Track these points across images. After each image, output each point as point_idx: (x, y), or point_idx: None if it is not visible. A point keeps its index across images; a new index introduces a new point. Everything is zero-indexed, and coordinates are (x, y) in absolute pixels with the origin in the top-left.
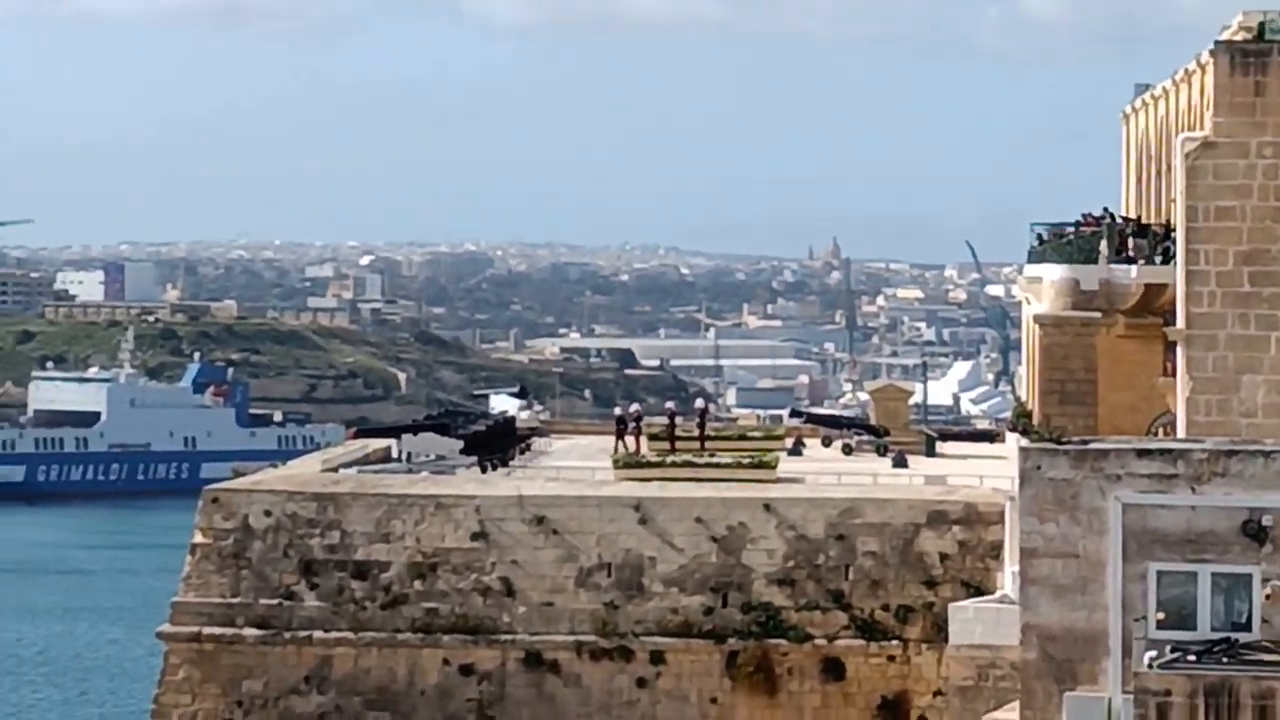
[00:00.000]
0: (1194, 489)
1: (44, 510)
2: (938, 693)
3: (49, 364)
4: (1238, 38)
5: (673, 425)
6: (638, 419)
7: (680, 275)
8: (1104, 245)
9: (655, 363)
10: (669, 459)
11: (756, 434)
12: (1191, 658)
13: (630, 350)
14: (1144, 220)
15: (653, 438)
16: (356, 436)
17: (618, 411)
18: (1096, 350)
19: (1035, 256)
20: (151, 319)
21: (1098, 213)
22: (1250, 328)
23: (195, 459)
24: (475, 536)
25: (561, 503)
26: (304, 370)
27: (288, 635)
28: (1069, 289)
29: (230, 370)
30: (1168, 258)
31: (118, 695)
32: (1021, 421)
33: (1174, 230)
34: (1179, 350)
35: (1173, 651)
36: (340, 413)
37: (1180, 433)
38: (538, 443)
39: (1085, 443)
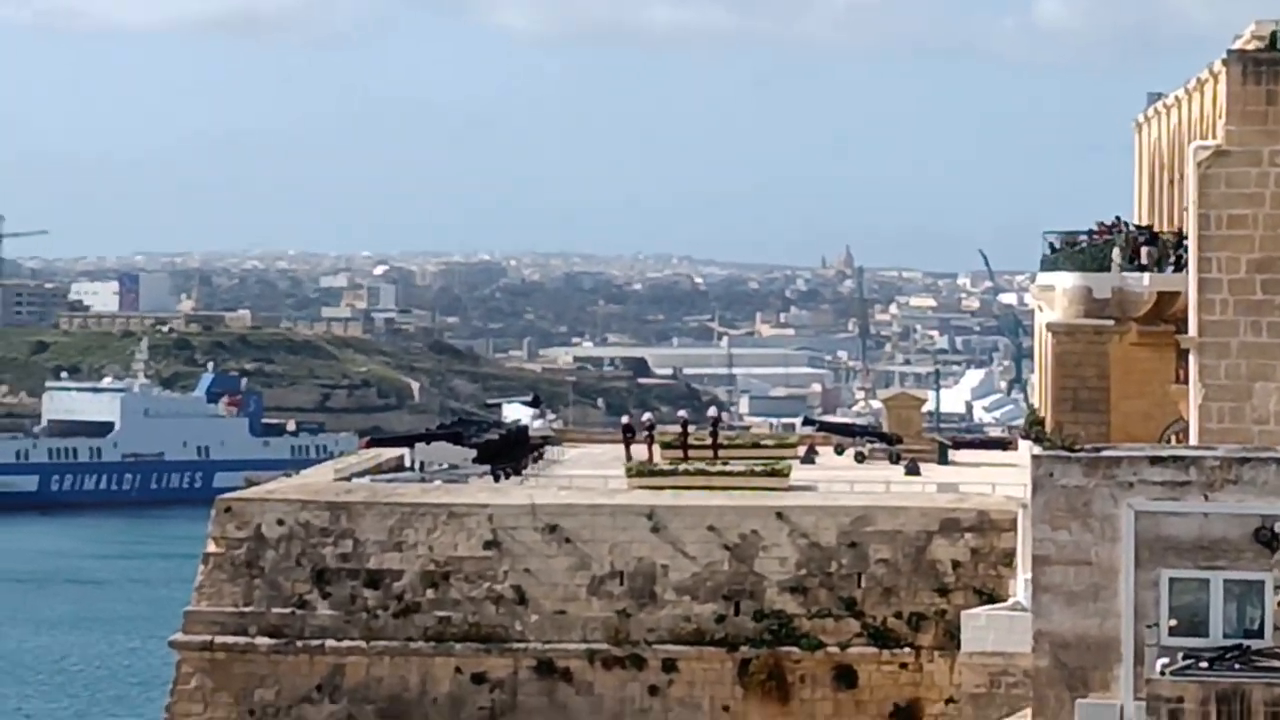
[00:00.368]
0: (1206, 496)
1: (57, 520)
2: (950, 700)
3: (63, 374)
4: (1250, 47)
5: (685, 434)
6: (650, 427)
7: (693, 284)
8: (1116, 253)
9: (668, 371)
10: (682, 467)
11: (769, 442)
12: (1204, 665)
13: (643, 359)
14: (1156, 229)
15: (665, 446)
16: (370, 446)
17: (624, 420)
18: (1109, 358)
19: (1048, 265)
20: (165, 329)
21: (1110, 221)
22: (1263, 335)
23: (208, 468)
24: (488, 545)
25: (574, 511)
26: (317, 380)
27: (300, 644)
28: (1082, 297)
29: (244, 380)
30: (1180, 266)
31: (131, 704)
32: (1034, 429)
33: (1186, 238)
34: (1191, 358)
35: (1185, 658)
36: (353, 422)
37: (1193, 440)
38: (551, 451)
39: (1098, 450)
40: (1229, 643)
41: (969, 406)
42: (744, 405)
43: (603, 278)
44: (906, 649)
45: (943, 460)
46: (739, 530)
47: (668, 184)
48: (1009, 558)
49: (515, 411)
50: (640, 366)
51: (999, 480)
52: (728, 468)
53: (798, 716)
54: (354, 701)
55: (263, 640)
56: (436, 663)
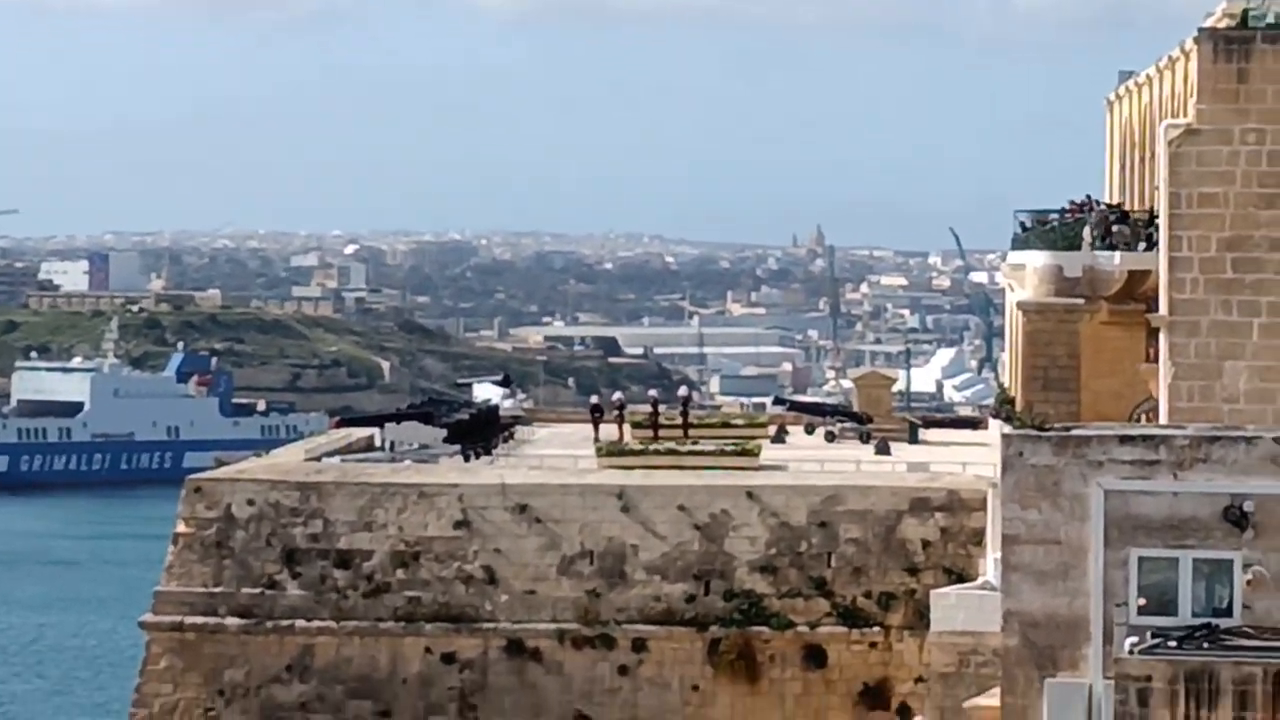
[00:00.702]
0: (1176, 475)
1: (27, 500)
2: (919, 679)
3: (33, 354)
4: (1221, 25)
5: (656, 413)
6: (621, 407)
7: (664, 263)
8: (1087, 232)
9: (639, 351)
10: (652, 447)
11: (740, 421)
12: (1172, 644)
13: (614, 338)
14: (1128, 207)
15: (636, 425)
16: (340, 425)
17: (593, 400)
18: (1079, 337)
19: (1019, 243)
20: (135, 308)
21: (1081, 200)
22: (1233, 314)
23: (178, 448)
24: (458, 525)
25: (544, 491)
26: (288, 359)
27: (270, 624)
28: (1052, 276)
29: (214, 359)
30: (1151, 244)
31: (101, 685)
32: (1004, 408)
33: (1157, 217)
34: (1162, 337)
35: (1154, 637)
36: (324, 402)
37: (1163, 419)
38: (521, 431)
39: (1068, 429)
40: (1198, 622)
41: (939, 385)
42: (715, 385)
43: (574, 257)
44: (876, 628)
45: (913, 439)
46: (709, 510)
47: (639, 163)
48: (979, 537)
49: (486, 391)
50: (611, 346)
51: (969, 459)
52: (698, 447)
53: (767, 696)
54: (324, 681)
55: (232, 620)
56: (406, 643)
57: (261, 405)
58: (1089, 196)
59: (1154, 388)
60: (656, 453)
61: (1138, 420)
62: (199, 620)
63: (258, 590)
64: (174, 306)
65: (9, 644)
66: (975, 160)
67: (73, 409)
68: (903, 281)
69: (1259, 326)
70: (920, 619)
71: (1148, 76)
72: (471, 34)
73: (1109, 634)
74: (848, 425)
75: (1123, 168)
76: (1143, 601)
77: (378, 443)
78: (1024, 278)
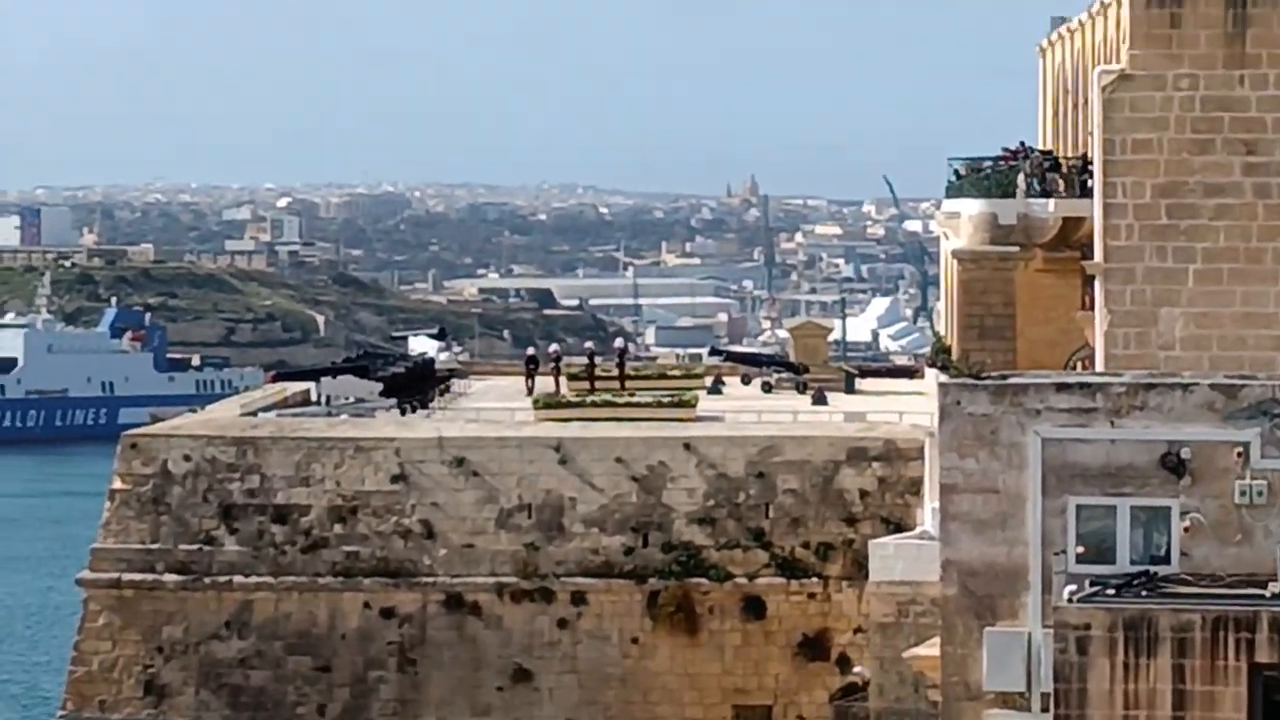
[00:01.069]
0: (1113, 423)
1: None
2: (858, 629)
3: None
4: None
5: (592, 365)
6: (557, 359)
7: (598, 214)
8: (1021, 179)
9: (574, 302)
10: (589, 399)
11: (676, 373)
12: (1111, 591)
13: (549, 290)
14: (1061, 154)
15: (572, 378)
16: (275, 380)
17: (530, 352)
18: (1015, 285)
19: (953, 191)
20: (68, 264)
21: (1015, 147)
22: (1168, 260)
23: (113, 404)
24: (395, 479)
25: (481, 444)
26: (222, 314)
27: (208, 580)
28: (987, 224)
29: (148, 315)
30: (1085, 191)
31: (39, 642)
32: (941, 357)
33: (1091, 163)
34: (1097, 284)
35: (1092, 585)
36: (259, 356)
37: (1099, 366)
38: (457, 384)
39: (1004, 378)
40: (1136, 569)
41: (875, 335)
42: (650, 336)
43: (507, 209)
44: (814, 579)
45: (849, 389)
46: (646, 462)
47: (572, 113)
48: (916, 486)
49: (421, 344)
50: (546, 298)
51: (906, 409)
52: (635, 399)
53: (706, 648)
54: (262, 637)
55: (170, 577)
56: (345, 598)
57: (196, 360)
58: (1023, 143)
59: (1090, 335)
60: (593, 404)
61: (1074, 368)
62: (137, 577)
63: (195, 546)
64: (107, 261)
65: None
66: (909, 108)
67: (6, 365)
68: (837, 231)
69: (1194, 273)
70: (859, 569)
71: (1080, 22)
72: None
73: (1048, 583)
74: (784, 376)
75: (1056, 114)
76: (1081, 550)
77: (314, 397)
78: (958, 226)
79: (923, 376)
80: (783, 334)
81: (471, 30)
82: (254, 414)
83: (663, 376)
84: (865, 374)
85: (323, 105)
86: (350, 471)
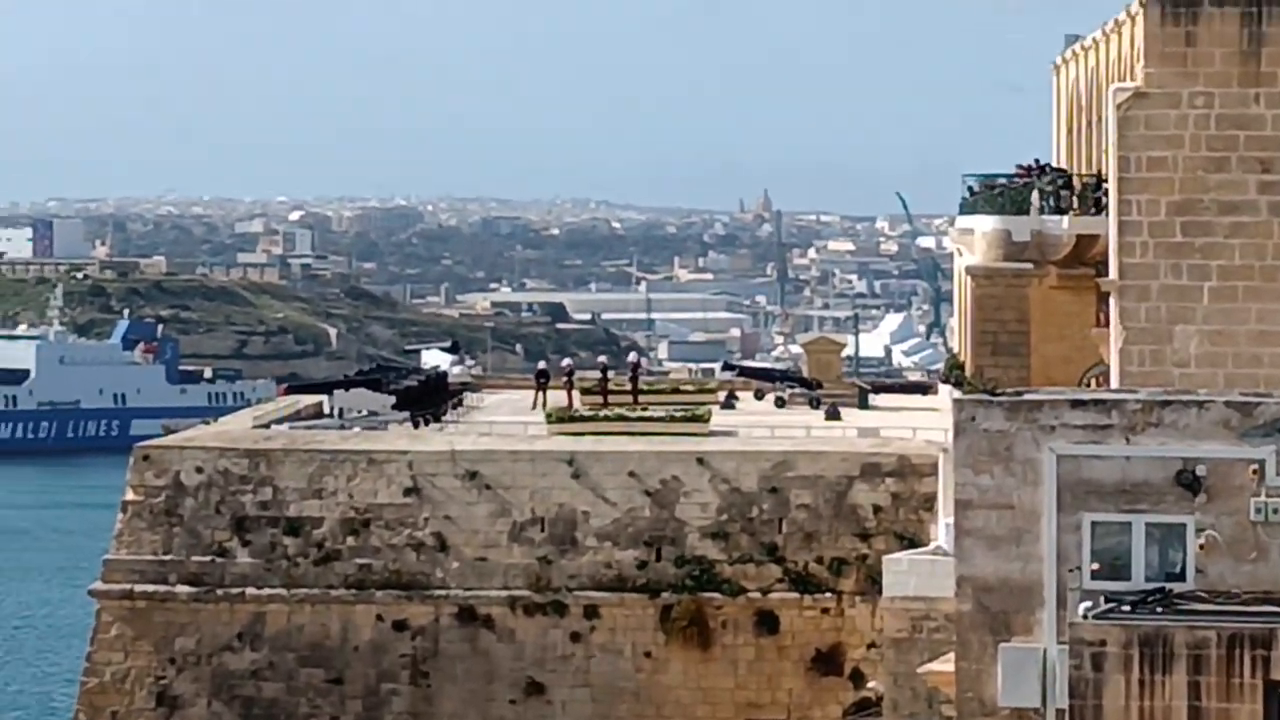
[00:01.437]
0: (1128, 439)
1: None
2: (872, 645)
3: None
4: None
5: (605, 379)
6: (570, 373)
7: (611, 229)
8: (1035, 196)
9: (587, 317)
10: (602, 413)
11: (689, 387)
12: (1126, 608)
13: (561, 304)
14: (1076, 171)
15: (585, 392)
16: (288, 393)
17: (540, 366)
18: (1029, 301)
19: (967, 208)
20: (80, 275)
21: (1029, 164)
22: (1183, 278)
23: (125, 416)
24: (408, 492)
25: (494, 458)
26: (234, 326)
27: (220, 592)
28: (1001, 240)
29: (160, 327)
30: (1099, 208)
31: (51, 654)
32: (954, 373)
33: (1106, 181)
34: (1112, 301)
35: (1107, 602)
36: (271, 369)
37: (1114, 383)
38: (470, 398)
39: (1019, 394)
40: (1151, 586)
41: (888, 351)
42: (663, 350)
43: (520, 223)
44: (828, 594)
45: (863, 405)
46: (660, 476)
47: (585, 127)
48: (930, 502)
49: (434, 358)
50: (558, 312)
51: (919, 425)
52: (648, 413)
53: (719, 662)
54: (275, 649)
55: (183, 589)
56: (358, 610)
57: (208, 372)
58: (1037, 160)
59: (1104, 352)
60: (606, 419)
61: (1088, 385)
62: (149, 588)
63: (208, 558)
64: (119, 273)
65: None
66: (923, 124)
67: (18, 377)
68: (850, 246)
69: (1209, 290)
70: (872, 584)
71: (1094, 40)
72: None
73: (1062, 599)
74: (797, 391)
75: (1070, 131)
76: (1096, 566)
77: (326, 410)
78: (972, 242)
79: (936, 392)
80: (796, 349)
81: (484, 44)
82: (266, 426)
83: (676, 391)
84: (879, 389)
85: (335, 118)
86: (363, 484)
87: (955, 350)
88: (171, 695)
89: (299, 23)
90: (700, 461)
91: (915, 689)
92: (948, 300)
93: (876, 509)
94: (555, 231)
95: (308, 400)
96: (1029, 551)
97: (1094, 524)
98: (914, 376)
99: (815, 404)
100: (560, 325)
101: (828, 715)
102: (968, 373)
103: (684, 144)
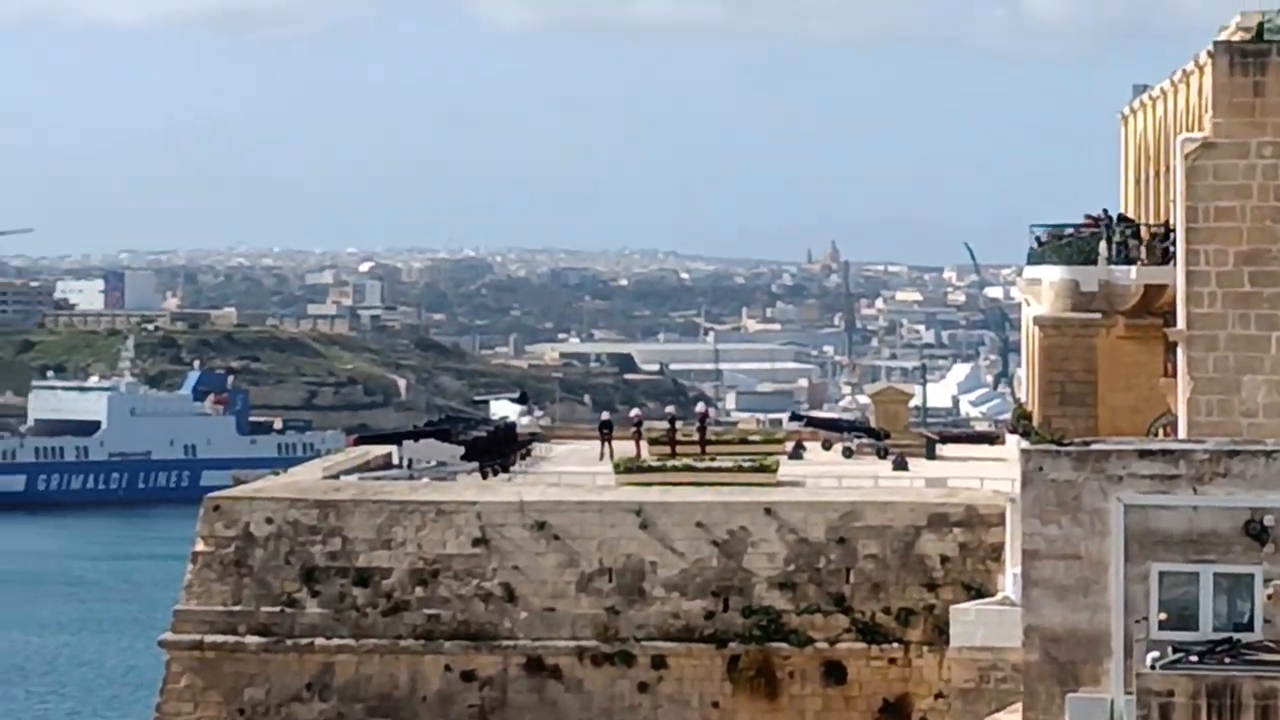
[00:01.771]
0: (1196, 489)
1: (44, 520)
2: (939, 695)
3: (49, 373)
4: (1236, 38)
5: (673, 430)
6: (638, 424)
7: (679, 279)
8: (1103, 246)
9: (655, 367)
10: (669, 463)
11: (756, 438)
12: (1194, 658)
13: (630, 355)
14: (1143, 221)
15: (653, 442)
16: (357, 443)
17: (604, 416)
18: (1096, 351)
19: (1034, 258)
20: (151, 327)
21: (1097, 214)
22: (1251, 328)
23: (195, 467)
24: (476, 542)
25: (562, 508)
26: (304, 377)
27: (289, 643)
28: (1068, 290)
29: (230, 378)
30: (1167, 258)
31: (122, 704)
32: (1022, 423)
33: (1173, 231)
34: (1179, 351)
35: (1175, 652)
36: (340, 419)
37: (1181, 433)
38: (538, 448)
39: (1087, 444)
40: (1219, 636)
41: (955, 401)
42: (730, 401)
43: (589, 273)
44: (895, 644)
45: (930, 455)
46: (727, 526)
47: (654, 178)
48: (997, 552)
49: (502, 408)
50: (627, 362)
51: (987, 475)
52: (715, 464)
53: (787, 713)
54: (344, 700)
55: (252, 639)
56: (426, 660)
57: (278, 423)
58: (1105, 210)
59: (1172, 402)
60: (674, 469)
61: (1155, 435)
62: (219, 639)
63: (277, 609)
64: (189, 325)
65: (28, 664)
66: (990, 174)
67: (90, 428)
68: (918, 297)
69: (1277, 340)
70: (940, 635)
71: (1162, 90)
72: (485, 49)
73: (1130, 649)
74: (865, 441)
75: (1138, 181)
76: (1163, 616)
77: (395, 460)
78: (1040, 292)
79: (1003, 442)
80: (863, 399)
81: (553, 96)
82: (336, 477)
83: (743, 441)
84: (946, 440)
85: (405, 170)
86: (432, 535)
87: (1023, 400)
88: None
89: (369, 75)
90: (768, 512)
91: None
92: (1015, 350)
93: (944, 559)
94: (624, 282)
95: (377, 451)
96: (1096, 602)
97: (1162, 574)
98: (981, 426)
99: (883, 454)
100: (628, 375)
101: None
102: (1035, 423)
103: (752, 195)
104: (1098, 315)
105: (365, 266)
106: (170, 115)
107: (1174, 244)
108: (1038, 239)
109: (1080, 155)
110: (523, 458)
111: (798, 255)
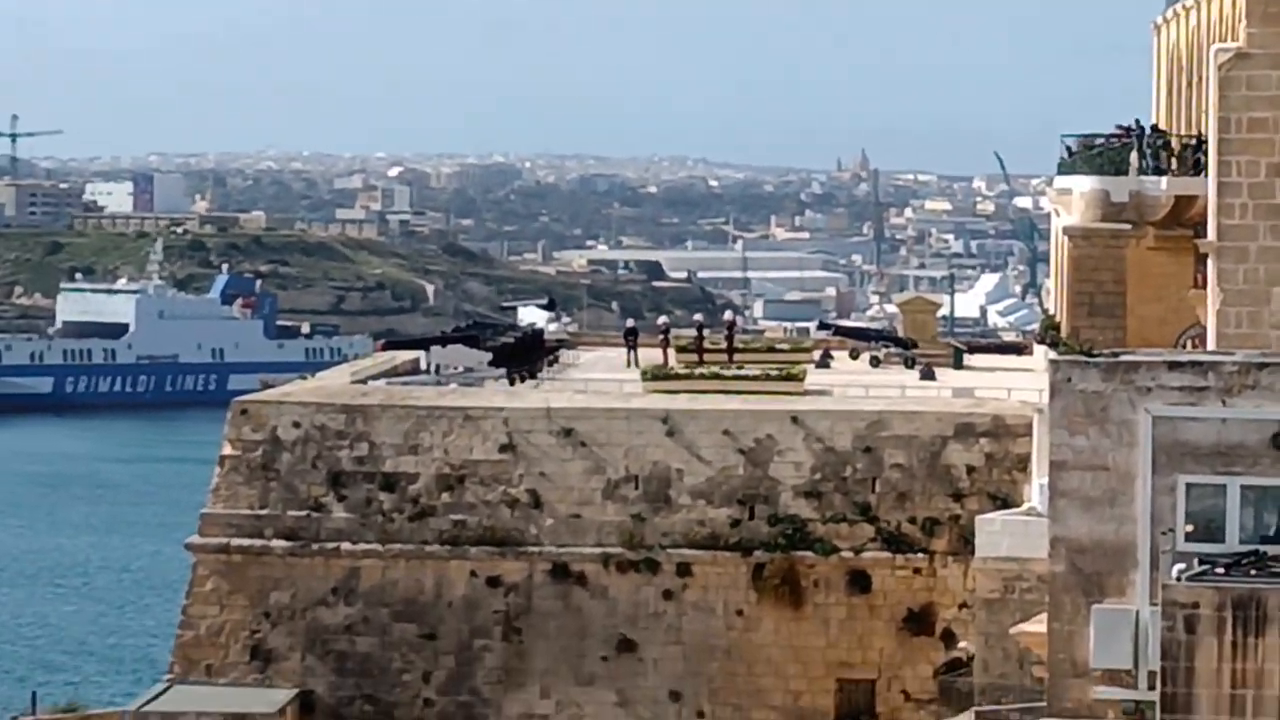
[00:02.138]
0: (1224, 401)
1: (72, 421)
2: (964, 605)
3: (77, 275)
4: None
5: (701, 337)
6: (665, 331)
7: (708, 187)
8: (1134, 156)
9: (683, 275)
10: (697, 371)
11: (784, 346)
12: (1219, 570)
13: (658, 262)
14: (1176, 132)
15: (681, 350)
16: (385, 348)
17: (630, 324)
18: (1126, 262)
19: (1065, 168)
20: (180, 230)
21: (1129, 124)
22: None
23: (223, 371)
24: (503, 449)
25: (589, 415)
26: (332, 282)
27: (315, 547)
28: (1099, 201)
29: (258, 282)
30: (1198, 169)
31: (147, 606)
32: (1050, 334)
33: (1205, 142)
34: (1210, 262)
35: (1201, 564)
36: (368, 325)
37: (1210, 345)
38: (565, 355)
39: (1115, 355)
40: (1245, 548)
41: (983, 311)
42: (758, 309)
43: (618, 180)
44: (920, 554)
45: (957, 365)
46: (754, 435)
47: (684, 86)
48: (1024, 463)
49: (530, 314)
50: (655, 270)
51: (1014, 385)
52: (743, 372)
53: (811, 621)
54: (369, 604)
55: (278, 543)
56: (451, 566)
57: (306, 328)
58: (1136, 121)
59: (1201, 314)
60: (701, 377)
61: (1184, 346)
62: (245, 542)
63: (304, 513)
64: (218, 228)
65: (57, 565)
66: (1021, 84)
67: (118, 330)
68: (947, 206)
69: None
70: (965, 545)
71: (1196, 0)
72: None
73: (1156, 560)
74: (892, 350)
75: (1170, 92)
76: (1190, 528)
77: (423, 366)
78: (1070, 203)
79: (1031, 353)
80: (891, 309)
81: (584, 3)
82: (364, 382)
83: (771, 350)
84: (973, 350)
85: (435, 76)
86: (458, 440)
87: (1051, 311)
88: (266, 649)
89: None
90: (795, 420)
91: (1006, 649)
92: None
93: (970, 469)
94: (653, 189)
95: (404, 356)
96: (1123, 513)
97: (1189, 486)
98: (1009, 337)
99: (910, 364)
100: (656, 283)
101: (918, 675)
102: (1063, 333)
103: (782, 103)
104: (1128, 226)
105: (394, 171)
106: (202, 18)
107: (1205, 155)
108: (1068, 149)
109: (1113, 65)
110: (550, 364)
111: (827, 163)
